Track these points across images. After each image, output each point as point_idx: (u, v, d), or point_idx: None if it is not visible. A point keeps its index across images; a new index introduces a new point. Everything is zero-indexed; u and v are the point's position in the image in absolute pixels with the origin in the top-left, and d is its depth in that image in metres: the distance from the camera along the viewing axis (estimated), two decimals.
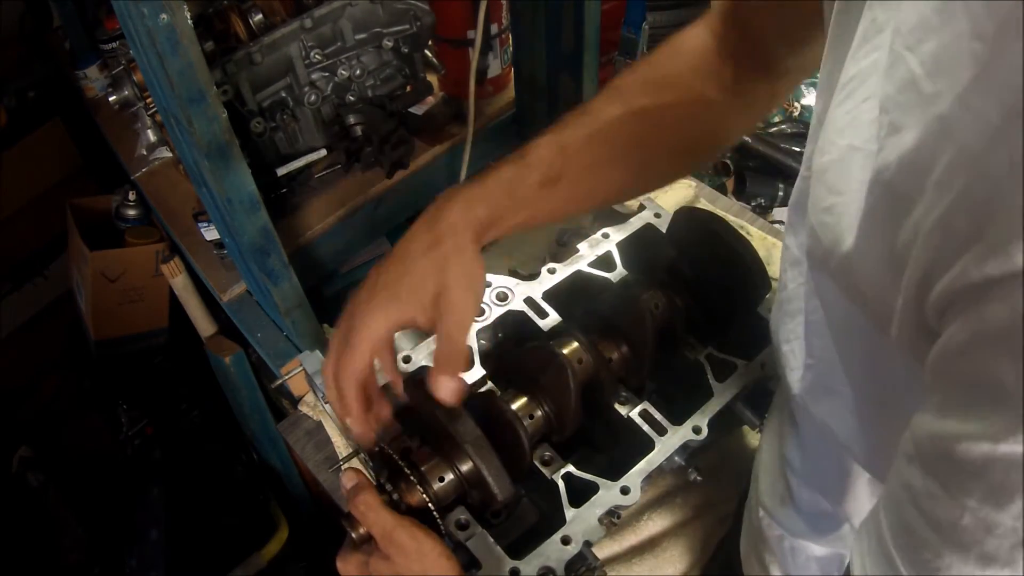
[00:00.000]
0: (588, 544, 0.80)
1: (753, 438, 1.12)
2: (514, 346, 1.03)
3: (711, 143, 0.85)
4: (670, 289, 0.99)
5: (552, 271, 1.06)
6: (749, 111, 0.81)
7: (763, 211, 2.33)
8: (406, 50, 1.46)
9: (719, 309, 0.99)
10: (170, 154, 1.62)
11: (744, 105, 0.79)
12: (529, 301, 1.03)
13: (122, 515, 1.80)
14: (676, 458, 0.94)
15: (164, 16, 0.81)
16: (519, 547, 0.79)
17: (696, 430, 0.92)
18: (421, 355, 0.95)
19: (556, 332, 0.95)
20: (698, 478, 0.99)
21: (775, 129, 2.44)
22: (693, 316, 1.00)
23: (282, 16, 1.43)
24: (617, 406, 0.94)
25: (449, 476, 0.79)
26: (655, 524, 1.07)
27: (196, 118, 0.91)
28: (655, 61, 0.81)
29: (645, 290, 0.96)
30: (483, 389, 0.95)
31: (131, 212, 1.77)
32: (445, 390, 0.70)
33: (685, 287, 1.00)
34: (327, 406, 1.00)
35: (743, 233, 1.40)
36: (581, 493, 0.84)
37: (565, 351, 0.89)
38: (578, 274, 1.07)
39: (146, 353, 1.97)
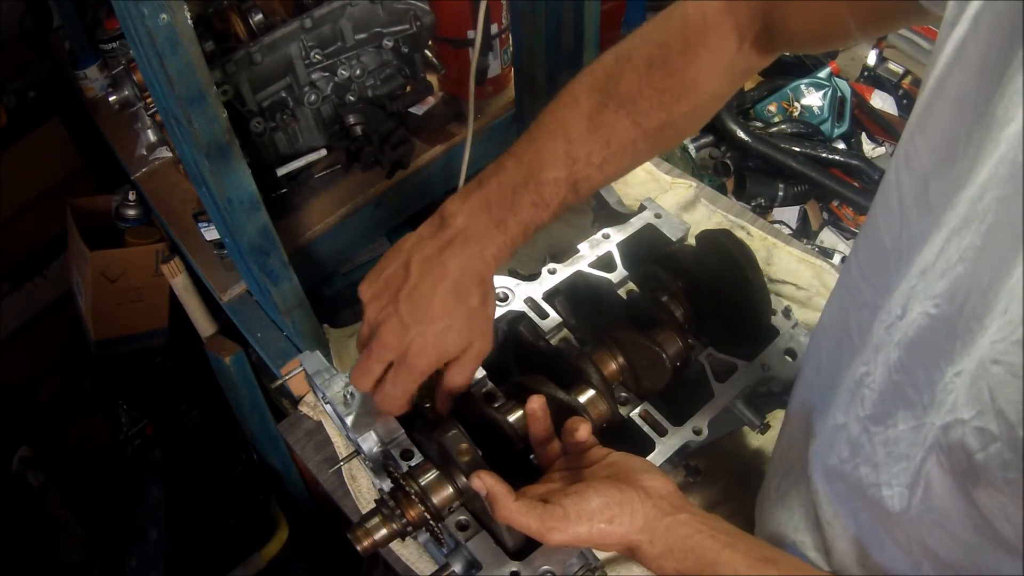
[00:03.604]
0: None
1: (753, 438, 1.12)
2: (514, 349, 1.03)
3: (704, 123, 0.88)
4: (679, 299, 1.00)
5: (552, 271, 1.06)
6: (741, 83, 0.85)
7: (763, 211, 2.34)
8: (406, 50, 1.46)
9: (725, 327, 1.01)
10: (170, 154, 1.62)
11: (741, 82, 0.82)
12: (529, 301, 1.03)
13: (122, 515, 1.80)
14: (676, 458, 0.94)
15: (164, 16, 0.80)
16: (520, 547, 0.79)
17: (696, 431, 0.93)
18: None
19: (575, 368, 0.94)
20: (698, 478, 0.99)
21: (775, 129, 2.45)
22: (702, 326, 1.01)
23: (282, 16, 1.43)
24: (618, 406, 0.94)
25: (448, 491, 0.79)
26: None
27: (196, 118, 0.91)
28: (668, 61, 0.77)
29: (666, 340, 0.95)
30: (483, 390, 0.94)
31: (131, 212, 1.77)
32: (444, 404, 0.88)
33: (695, 298, 1.01)
34: (327, 406, 1.00)
35: (743, 233, 1.41)
36: None
37: (581, 399, 0.89)
38: (578, 274, 1.07)
39: (146, 353, 1.97)
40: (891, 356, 0.60)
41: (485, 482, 0.71)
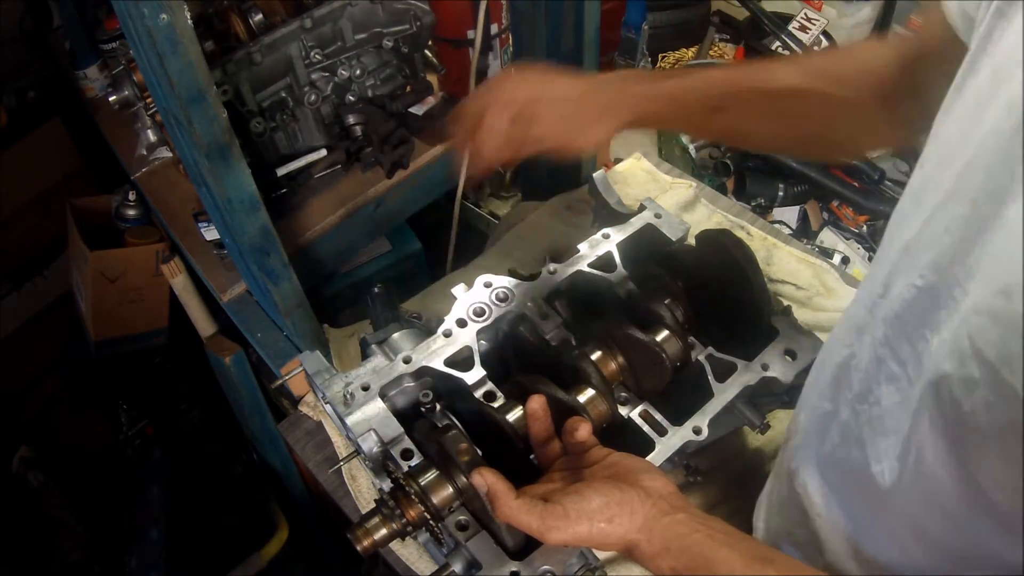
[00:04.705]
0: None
1: (753, 438, 1.12)
2: (513, 349, 1.03)
3: (857, 150, 0.98)
4: (679, 299, 1.00)
5: (552, 271, 1.06)
6: (895, 135, 0.87)
7: (763, 211, 2.33)
8: (406, 50, 1.46)
9: (725, 327, 1.01)
10: (170, 154, 1.62)
11: (893, 128, 0.84)
12: (529, 301, 1.03)
13: (122, 515, 1.80)
14: (676, 458, 0.94)
15: (164, 16, 0.80)
16: (520, 547, 0.79)
17: (696, 430, 0.92)
18: (421, 355, 0.95)
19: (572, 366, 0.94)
20: (698, 478, 0.99)
21: None
22: (702, 326, 1.01)
23: (282, 16, 1.43)
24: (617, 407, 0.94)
25: (448, 491, 0.79)
26: None
27: (196, 118, 0.91)
28: (842, 58, 0.87)
29: (666, 340, 0.96)
30: (483, 390, 0.94)
31: (131, 212, 1.77)
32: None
33: (695, 298, 1.01)
34: (327, 406, 1.00)
35: (743, 233, 1.41)
36: None
37: (581, 399, 0.89)
38: (578, 274, 1.07)
39: (146, 353, 1.97)
40: (876, 334, 0.61)
41: (486, 479, 0.71)
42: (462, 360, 0.96)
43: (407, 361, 0.94)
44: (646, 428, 0.93)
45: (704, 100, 0.87)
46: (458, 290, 1.02)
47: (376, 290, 1.44)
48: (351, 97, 1.45)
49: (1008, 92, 0.49)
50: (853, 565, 0.70)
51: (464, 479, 0.77)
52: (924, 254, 0.56)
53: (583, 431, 0.77)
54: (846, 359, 0.67)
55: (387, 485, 0.84)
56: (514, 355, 1.04)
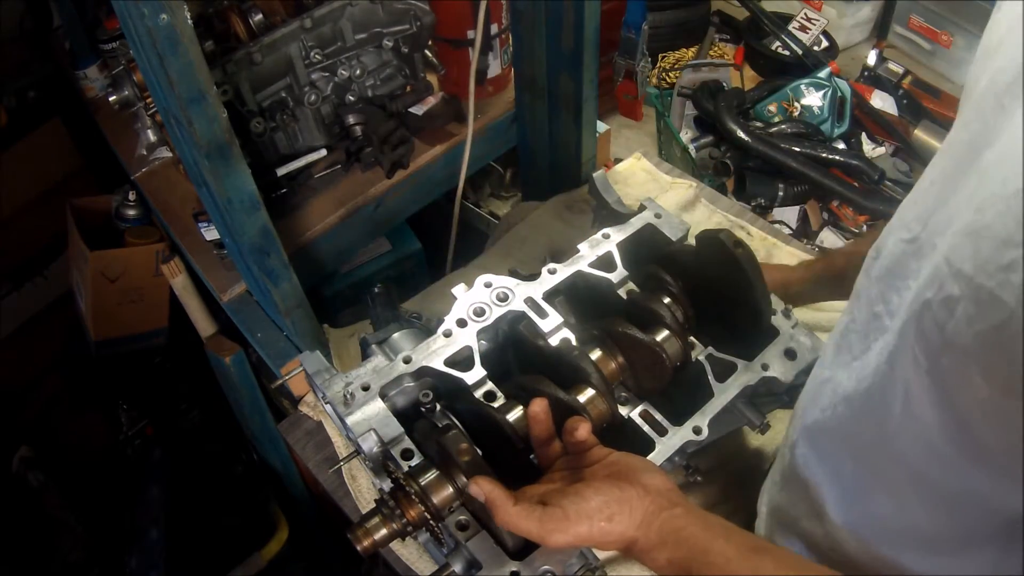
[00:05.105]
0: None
1: (753, 438, 1.12)
2: (514, 349, 1.03)
3: None
4: (679, 299, 1.00)
5: (552, 271, 1.06)
6: None
7: (763, 211, 2.33)
8: (406, 50, 1.46)
9: (725, 327, 1.01)
10: (170, 154, 1.62)
11: None
12: (529, 301, 1.03)
13: (122, 515, 1.81)
14: (676, 458, 0.94)
15: (164, 16, 0.81)
16: (520, 547, 0.79)
17: (696, 430, 0.92)
18: (421, 355, 0.95)
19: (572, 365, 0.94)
20: (698, 478, 0.99)
21: (775, 129, 2.45)
22: (702, 326, 1.02)
23: (282, 16, 1.43)
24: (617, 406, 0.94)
25: (448, 491, 0.79)
26: None
27: (196, 118, 0.91)
28: None
29: (666, 340, 0.95)
30: (483, 390, 0.94)
31: (131, 212, 1.77)
32: None
33: (695, 298, 1.01)
34: (327, 406, 1.00)
35: (743, 233, 1.41)
36: None
37: (581, 399, 0.89)
38: (578, 274, 1.07)
39: (146, 353, 1.97)
40: (871, 293, 0.64)
41: (483, 488, 0.71)
42: (462, 360, 0.96)
43: (407, 361, 0.94)
44: (646, 428, 0.93)
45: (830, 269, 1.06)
46: (458, 290, 1.02)
47: (376, 290, 1.45)
48: (351, 97, 1.45)
49: (997, 62, 0.53)
50: (847, 535, 0.71)
51: (464, 479, 0.77)
52: (911, 210, 0.60)
53: (583, 431, 0.78)
54: (847, 325, 0.69)
55: (387, 485, 0.84)
56: (514, 355, 1.04)
